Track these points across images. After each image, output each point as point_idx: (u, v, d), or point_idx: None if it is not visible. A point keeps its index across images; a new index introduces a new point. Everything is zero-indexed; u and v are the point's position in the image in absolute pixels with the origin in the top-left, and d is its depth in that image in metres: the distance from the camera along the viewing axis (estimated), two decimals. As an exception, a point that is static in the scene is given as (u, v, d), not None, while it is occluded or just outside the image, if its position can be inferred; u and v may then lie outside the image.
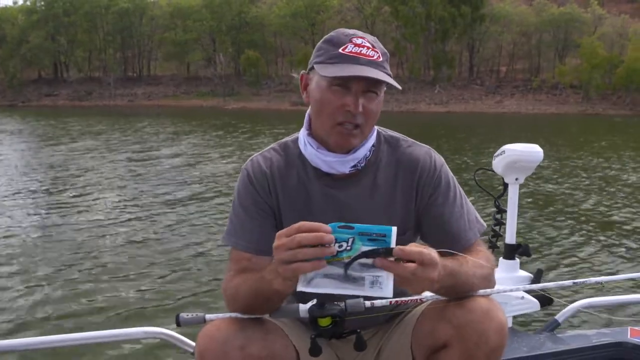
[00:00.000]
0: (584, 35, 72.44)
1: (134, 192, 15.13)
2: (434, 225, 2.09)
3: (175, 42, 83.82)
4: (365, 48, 1.92)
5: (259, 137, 30.69)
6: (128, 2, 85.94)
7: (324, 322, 1.86)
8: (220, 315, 1.95)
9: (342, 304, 1.89)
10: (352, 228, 1.56)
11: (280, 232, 1.65)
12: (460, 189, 2.14)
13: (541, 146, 3.71)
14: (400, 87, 1.99)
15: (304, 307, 1.91)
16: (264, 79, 79.82)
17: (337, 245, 1.57)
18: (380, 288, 1.58)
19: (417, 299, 2.04)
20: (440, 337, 1.90)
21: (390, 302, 1.96)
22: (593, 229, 11.20)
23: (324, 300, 1.87)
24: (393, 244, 1.57)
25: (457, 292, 1.86)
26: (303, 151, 2.09)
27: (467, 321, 1.83)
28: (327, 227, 1.58)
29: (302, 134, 2.12)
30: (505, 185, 3.82)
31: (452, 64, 76.69)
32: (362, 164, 2.06)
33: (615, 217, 12.33)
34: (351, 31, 1.99)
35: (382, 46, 1.98)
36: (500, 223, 3.83)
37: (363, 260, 1.57)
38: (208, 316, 1.95)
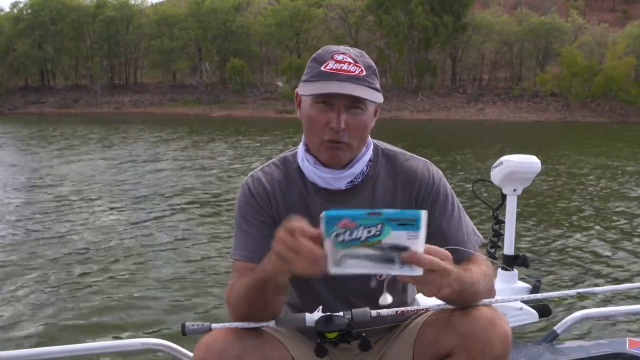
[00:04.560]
0: (564, 44, 72.97)
1: (133, 200, 14.97)
2: (433, 237, 1.93)
3: (162, 51, 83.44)
4: (347, 64, 1.94)
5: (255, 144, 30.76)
6: (115, 10, 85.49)
7: (331, 335, 1.91)
8: (227, 324, 1.93)
9: (349, 315, 1.92)
10: (381, 214, 1.56)
11: (286, 225, 1.67)
12: (458, 202, 2.15)
13: (536, 155, 3.72)
14: (380, 101, 1.99)
15: (310, 317, 1.93)
16: (249, 87, 79.71)
17: (365, 230, 1.56)
18: (411, 268, 1.59)
19: (422, 309, 2.08)
20: (445, 346, 1.91)
21: (396, 311, 1.97)
22: (592, 239, 11.00)
23: (330, 310, 1.95)
24: (423, 229, 1.56)
25: (464, 299, 1.86)
26: (301, 166, 2.11)
27: (472, 330, 1.84)
28: (319, 234, 1.61)
29: (300, 149, 2.14)
30: (504, 197, 3.83)
31: (435, 72, 76.85)
32: (359, 180, 2.08)
33: (614, 226, 12.14)
34: (336, 47, 2.00)
35: (367, 60, 2.00)
36: (499, 234, 3.83)
37: (395, 242, 1.57)
38: (214, 325, 1.93)
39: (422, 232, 1.56)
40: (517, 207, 3.84)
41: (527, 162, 3.67)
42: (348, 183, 2.06)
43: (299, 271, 1.65)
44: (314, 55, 2.03)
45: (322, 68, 1.95)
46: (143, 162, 23.33)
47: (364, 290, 2.04)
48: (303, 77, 2.02)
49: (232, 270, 2.08)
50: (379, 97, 1.98)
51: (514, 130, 49.89)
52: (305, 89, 1.97)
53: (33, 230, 11.62)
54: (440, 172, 2.17)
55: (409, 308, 2.06)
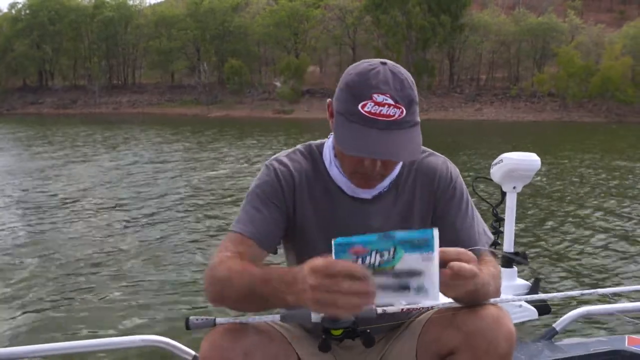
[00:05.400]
0: (561, 45, 73.12)
1: (137, 200, 14.94)
2: (445, 235, 1.88)
3: (160, 51, 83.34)
4: (386, 106, 1.79)
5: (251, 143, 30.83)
6: (113, 11, 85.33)
7: (337, 332, 1.89)
8: (232, 319, 1.89)
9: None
10: (393, 237, 1.49)
11: (316, 266, 1.51)
12: (471, 200, 2.13)
13: (537, 153, 3.70)
14: (417, 156, 1.92)
15: (316, 314, 1.88)
16: (247, 88, 79.47)
17: (378, 255, 1.49)
18: (427, 293, 1.53)
19: (427, 307, 2.03)
20: (448, 344, 1.89)
21: (402, 309, 1.93)
22: (591, 236, 11.01)
23: None
24: (436, 247, 1.50)
25: (473, 300, 1.83)
26: (328, 168, 2.05)
27: (477, 328, 1.82)
28: (367, 274, 1.48)
29: (328, 151, 2.07)
30: (503, 194, 3.82)
31: (432, 73, 76.77)
32: (386, 189, 2.05)
33: (614, 223, 12.14)
34: (375, 78, 1.81)
35: (408, 89, 1.84)
36: (499, 231, 3.80)
37: (409, 266, 1.50)
38: (219, 320, 1.90)
39: (436, 251, 1.51)
40: (517, 205, 3.83)
41: (527, 160, 3.68)
42: (375, 194, 2.04)
43: (344, 312, 1.52)
44: (349, 80, 1.88)
45: (359, 108, 1.80)
46: (145, 162, 23.34)
47: None
48: (337, 105, 1.90)
49: (227, 240, 1.98)
50: (417, 143, 1.87)
51: (511, 130, 49.90)
52: (338, 137, 1.87)
53: (37, 228, 11.66)
54: (458, 170, 2.17)
55: (413, 306, 1.97)
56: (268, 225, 1.99)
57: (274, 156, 2.12)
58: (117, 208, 13.82)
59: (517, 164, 3.67)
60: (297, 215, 2.06)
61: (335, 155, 2.04)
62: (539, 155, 3.72)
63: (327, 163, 2.07)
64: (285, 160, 2.09)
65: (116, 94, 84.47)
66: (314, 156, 2.11)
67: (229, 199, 14.93)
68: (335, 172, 2.04)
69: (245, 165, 22.47)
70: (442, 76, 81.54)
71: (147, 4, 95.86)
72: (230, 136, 37.77)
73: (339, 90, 1.90)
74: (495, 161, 3.78)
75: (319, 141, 2.16)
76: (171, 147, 29.77)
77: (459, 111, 70.86)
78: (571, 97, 67.49)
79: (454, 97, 75.21)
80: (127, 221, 12.36)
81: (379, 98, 1.79)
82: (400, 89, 1.81)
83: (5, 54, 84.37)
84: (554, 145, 31.91)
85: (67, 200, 14.77)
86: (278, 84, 75.74)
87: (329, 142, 2.09)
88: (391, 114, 1.79)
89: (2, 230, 11.53)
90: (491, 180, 3.88)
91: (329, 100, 1.98)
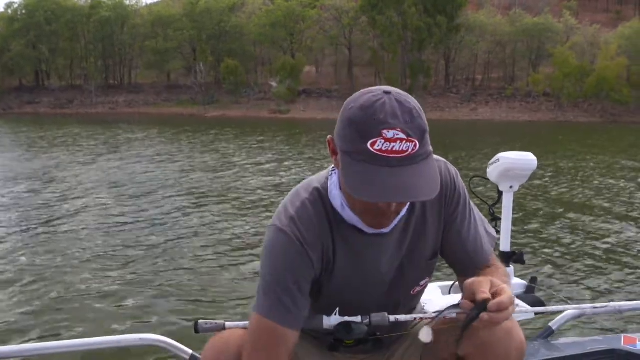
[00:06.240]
0: (557, 45, 73.25)
1: (141, 200, 14.98)
2: (453, 243, 1.99)
3: (156, 51, 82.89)
4: (399, 142, 1.60)
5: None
6: (109, 11, 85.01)
7: (349, 342, 1.89)
8: (241, 323, 1.91)
9: (367, 321, 1.87)
10: None
11: None
12: (469, 199, 2.04)
13: (534, 153, 3.66)
14: (436, 192, 1.67)
15: (328, 321, 1.88)
16: (244, 88, 79.28)
17: None
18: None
19: (442, 317, 1.90)
20: (459, 352, 1.89)
21: (415, 318, 1.97)
22: (588, 236, 11.07)
23: (348, 314, 1.90)
24: None
25: None
26: (341, 212, 1.87)
27: (490, 338, 1.80)
28: None
29: (335, 190, 1.88)
30: (500, 193, 3.77)
31: (428, 73, 76.82)
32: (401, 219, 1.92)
33: (610, 224, 12.21)
34: (382, 114, 1.61)
35: (419, 119, 1.67)
36: (495, 231, 3.44)
37: None
38: (228, 324, 1.91)
39: None
40: (513, 204, 3.81)
41: (524, 159, 3.62)
42: (394, 226, 1.90)
43: None
44: (352, 115, 1.66)
45: (368, 146, 1.61)
46: (148, 163, 23.38)
47: (384, 299, 2.01)
48: (342, 144, 1.70)
49: (260, 330, 1.82)
50: (434, 177, 1.69)
51: (507, 130, 50.14)
52: (347, 180, 1.67)
53: (39, 228, 11.69)
54: (456, 170, 2.03)
55: (427, 316, 1.96)
56: (302, 305, 1.85)
57: (285, 214, 1.88)
58: (120, 209, 13.85)
59: (513, 164, 3.64)
60: (324, 273, 1.92)
61: (342, 190, 1.86)
62: (535, 155, 3.72)
63: (337, 206, 1.88)
64: (300, 223, 1.85)
65: (113, 94, 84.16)
66: (325, 202, 1.89)
67: (233, 201, 15.02)
68: (348, 214, 1.86)
69: (250, 166, 22.51)
70: (437, 76, 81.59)
71: (144, 4, 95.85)
72: (232, 136, 37.85)
73: (341, 127, 1.69)
74: (492, 161, 3.74)
75: (320, 178, 1.96)
76: (173, 148, 29.80)
77: (454, 111, 70.91)
78: (566, 97, 67.69)
79: (450, 98, 75.26)
80: (129, 221, 12.42)
81: (389, 134, 1.60)
82: (410, 120, 1.64)
83: (2, 54, 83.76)
84: (549, 145, 32.04)
85: (70, 200, 14.84)
86: (274, 84, 75.72)
87: (334, 180, 1.90)
88: (404, 149, 1.61)
89: (4, 230, 11.56)
90: (488, 179, 3.84)
91: (329, 137, 1.77)
